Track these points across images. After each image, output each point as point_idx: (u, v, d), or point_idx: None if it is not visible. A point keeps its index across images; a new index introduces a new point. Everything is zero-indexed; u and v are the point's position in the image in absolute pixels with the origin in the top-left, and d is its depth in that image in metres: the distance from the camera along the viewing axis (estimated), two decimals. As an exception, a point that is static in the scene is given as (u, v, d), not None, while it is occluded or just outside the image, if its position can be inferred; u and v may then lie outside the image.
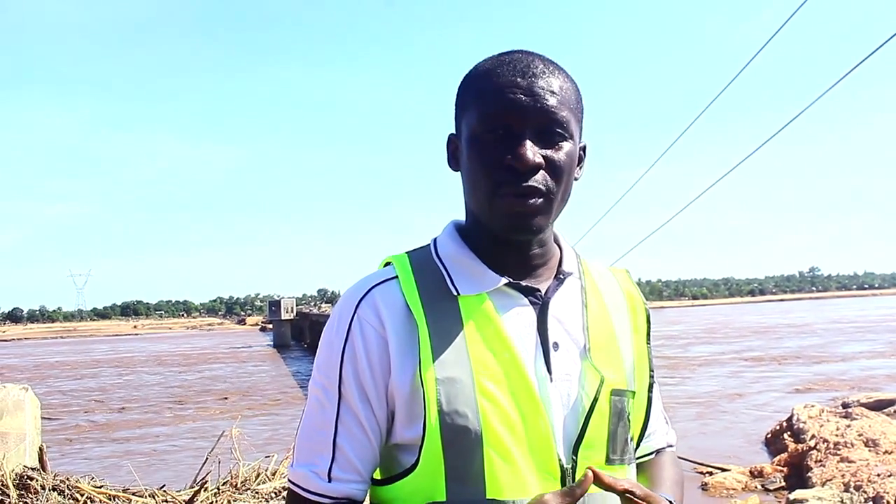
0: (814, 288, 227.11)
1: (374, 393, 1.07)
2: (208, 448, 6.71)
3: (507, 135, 1.05)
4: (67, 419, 21.41)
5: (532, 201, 1.05)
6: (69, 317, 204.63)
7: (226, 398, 24.75)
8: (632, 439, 1.17)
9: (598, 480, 1.04)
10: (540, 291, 1.13)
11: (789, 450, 10.38)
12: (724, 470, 10.28)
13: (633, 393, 1.16)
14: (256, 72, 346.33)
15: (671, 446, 1.34)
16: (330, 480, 1.07)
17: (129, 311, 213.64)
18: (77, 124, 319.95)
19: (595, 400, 1.08)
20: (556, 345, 1.10)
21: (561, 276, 1.16)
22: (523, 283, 1.12)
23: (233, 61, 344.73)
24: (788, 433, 11.51)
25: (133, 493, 5.97)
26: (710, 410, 17.80)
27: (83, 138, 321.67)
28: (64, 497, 5.11)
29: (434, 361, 1.04)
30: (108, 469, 12.76)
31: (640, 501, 1.05)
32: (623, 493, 1.05)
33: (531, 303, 1.12)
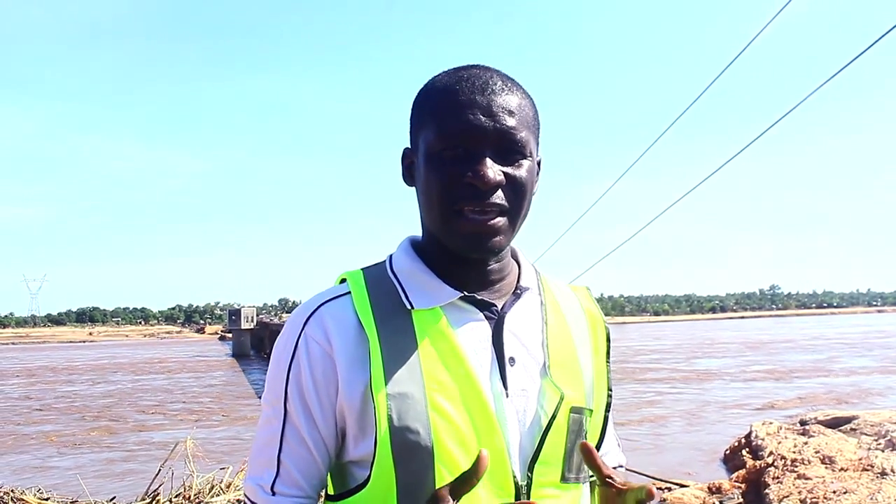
0: (774, 306, 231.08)
1: (319, 411, 1.08)
2: (163, 459, 6.56)
3: (467, 153, 1.04)
4: (11, 428, 20.85)
5: (492, 221, 1.05)
6: (22, 322, 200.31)
7: (182, 408, 24.34)
8: None
9: (591, 458, 1.01)
10: (496, 306, 1.12)
11: (747, 466, 10.45)
12: (682, 486, 10.32)
13: (591, 411, 1.16)
14: (219, 79, 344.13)
15: (621, 467, 1.34)
16: (274, 494, 1.09)
17: (85, 317, 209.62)
18: (33, 126, 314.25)
19: (553, 417, 1.08)
20: (512, 360, 1.09)
21: (518, 292, 1.15)
22: (479, 297, 1.11)
23: (195, 68, 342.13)
24: (747, 449, 11.62)
25: (81, 506, 5.80)
26: (697, 421, 17.92)
27: (40, 140, 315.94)
28: (8, 509, 4.94)
29: (385, 377, 1.03)
30: (57, 480, 12.44)
31: (620, 487, 1.01)
32: (605, 479, 1.03)
33: (487, 317, 1.11)
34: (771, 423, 12.89)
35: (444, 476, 1.01)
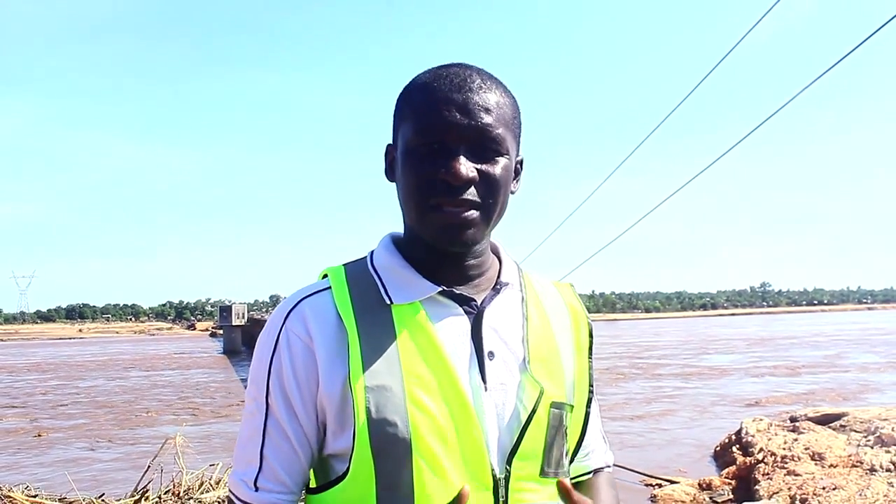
0: (764, 303, 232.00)
1: (301, 405, 1.08)
2: (152, 456, 6.54)
3: (442, 149, 1.05)
4: (23, 423, 20.74)
5: (465, 214, 1.05)
6: (11, 319, 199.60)
7: (171, 405, 24.27)
8: (567, 453, 1.17)
9: (567, 495, 1.05)
10: (476, 301, 1.13)
11: (737, 463, 10.47)
12: (672, 482, 10.34)
13: (572, 407, 1.17)
14: (211, 75, 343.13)
15: (609, 467, 1.34)
16: (256, 490, 1.09)
17: (75, 314, 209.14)
18: (24, 122, 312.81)
19: (533, 411, 1.08)
20: (491, 354, 1.10)
21: (498, 287, 1.16)
22: (458, 291, 1.12)
23: (187, 64, 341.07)
24: (737, 446, 11.64)
25: (70, 503, 5.78)
26: (703, 416, 17.92)
27: (31, 136, 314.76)
28: (-5, 506, 4.90)
29: (364, 370, 1.04)
30: (46, 478, 12.39)
31: None
32: None
33: (466, 312, 1.12)
34: (761, 419, 12.93)
35: (421, 468, 1.02)
